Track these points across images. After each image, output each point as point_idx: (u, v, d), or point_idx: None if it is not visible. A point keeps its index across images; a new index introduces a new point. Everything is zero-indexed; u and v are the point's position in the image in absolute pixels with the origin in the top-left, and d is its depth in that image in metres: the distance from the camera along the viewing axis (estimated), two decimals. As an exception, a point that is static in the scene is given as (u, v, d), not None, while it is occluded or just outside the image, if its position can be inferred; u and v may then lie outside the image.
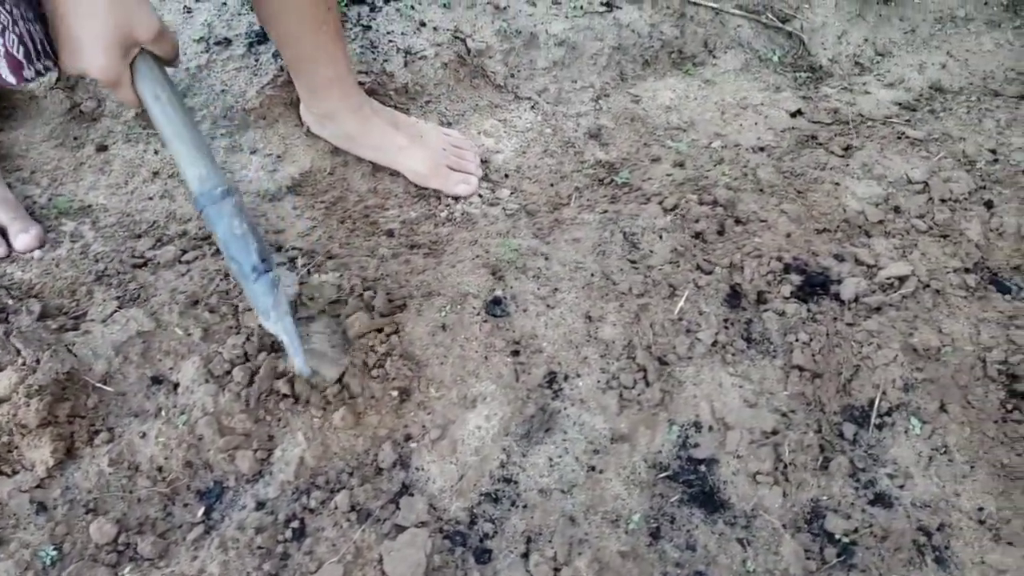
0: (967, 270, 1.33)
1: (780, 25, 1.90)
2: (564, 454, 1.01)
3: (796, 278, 1.22)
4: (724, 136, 1.59)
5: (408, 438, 1.02)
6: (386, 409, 1.02)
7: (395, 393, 1.03)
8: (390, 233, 1.28)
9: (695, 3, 1.87)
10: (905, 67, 1.82)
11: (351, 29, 1.59)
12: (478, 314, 1.11)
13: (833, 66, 1.86)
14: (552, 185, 1.46)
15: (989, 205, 1.42)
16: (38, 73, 0.88)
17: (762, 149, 1.57)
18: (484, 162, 1.46)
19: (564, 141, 1.56)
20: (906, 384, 1.13)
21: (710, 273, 1.21)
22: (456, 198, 1.35)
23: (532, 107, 1.61)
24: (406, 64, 1.58)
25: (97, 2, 0.80)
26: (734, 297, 1.18)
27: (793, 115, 1.67)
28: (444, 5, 1.73)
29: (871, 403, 1.12)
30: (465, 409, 1.03)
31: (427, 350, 1.07)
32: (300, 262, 1.15)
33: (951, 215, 1.40)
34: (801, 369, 1.12)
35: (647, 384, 1.06)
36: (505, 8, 1.71)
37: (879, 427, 1.11)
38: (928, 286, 1.29)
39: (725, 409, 1.07)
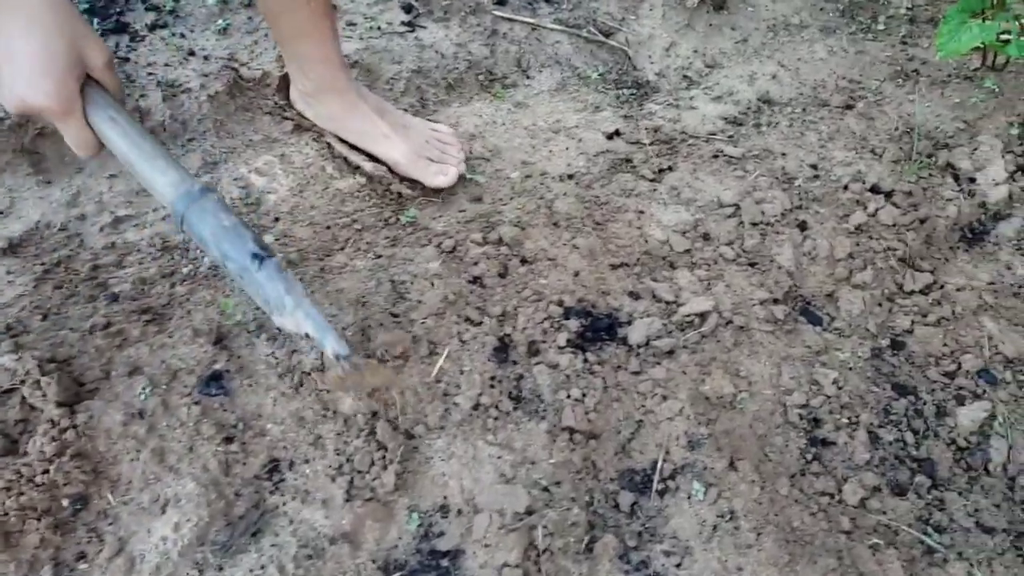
0: (775, 301, 1.21)
1: (603, 39, 1.79)
2: (269, 564, 0.83)
3: (576, 323, 1.08)
4: (531, 164, 1.45)
5: (80, 557, 0.83)
6: (51, 524, 0.83)
7: (66, 503, 0.83)
8: (114, 297, 1.09)
9: (508, 19, 1.74)
10: (735, 79, 1.72)
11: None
12: (188, 394, 0.93)
13: (660, 81, 1.75)
14: (328, 228, 1.29)
15: (803, 227, 1.31)
16: None
17: (570, 177, 1.43)
18: (469, 157, 1.41)
19: (349, 176, 1.39)
20: (691, 440, 0.99)
21: (478, 324, 1.05)
22: (435, 190, 1.33)
23: (315, 138, 1.44)
24: (165, 99, 1.39)
25: (42, 23, 0.72)
26: (502, 350, 1.03)
27: (610, 136, 1.54)
28: (220, 31, 1.56)
29: (654, 465, 0.98)
30: (152, 517, 0.84)
31: (115, 444, 0.89)
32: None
33: (761, 240, 1.28)
34: (572, 431, 0.97)
35: (384, 467, 0.90)
36: (287, 32, 1.54)
37: (661, 493, 0.96)
38: (731, 322, 1.16)
39: (476, 487, 0.91)
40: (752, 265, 1.24)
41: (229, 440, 0.90)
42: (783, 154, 1.48)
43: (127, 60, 1.46)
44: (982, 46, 1.54)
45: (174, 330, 1.01)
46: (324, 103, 1.35)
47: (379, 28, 1.63)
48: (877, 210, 1.34)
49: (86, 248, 1.19)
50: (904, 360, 1.17)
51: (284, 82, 1.45)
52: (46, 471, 0.83)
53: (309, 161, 1.40)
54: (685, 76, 1.76)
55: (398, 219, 1.31)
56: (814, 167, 1.45)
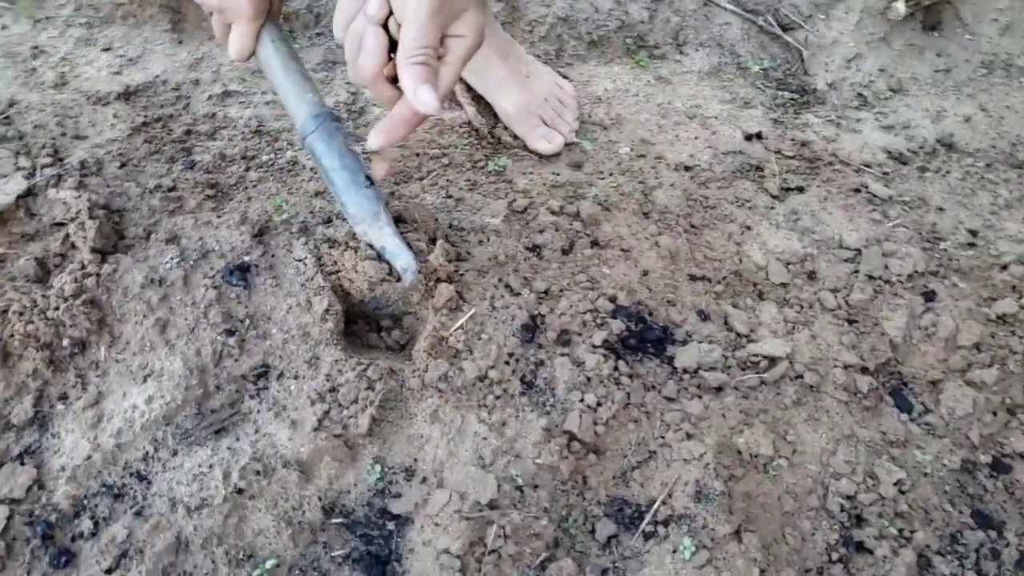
0: (864, 370, 1.05)
1: (779, 33, 1.61)
2: (217, 465, 0.82)
3: (620, 325, 0.98)
4: (650, 144, 1.34)
5: (62, 398, 0.85)
6: (47, 358, 0.85)
7: (66, 343, 0.86)
8: (191, 165, 1.11)
9: (685, -12, 1.60)
10: (918, 111, 1.51)
11: None
12: (211, 277, 0.93)
13: (829, 92, 1.56)
14: (417, 155, 1.25)
15: (930, 296, 1.13)
16: None
17: (687, 169, 1.31)
18: (586, 122, 1.34)
19: (458, 109, 1.34)
20: (701, 491, 0.88)
21: (516, 295, 0.98)
22: (533, 152, 1.26)
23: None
24: (308, -13, 1.39)
25: None
26: (530, 329, 0.95)
27: (749, 137, 1.39)
28: None
29: (651, 504, 0.88)
30: (134, 383, 0.85)
31: (127, 303, 0.90)
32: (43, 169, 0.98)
33: (873, 297, 1.11)
34: (573, 437, 0.89)
35: (363, 408, 0.86)
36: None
37: (647, 536, 0.86)
38: (801, 377, 1.02)
39: (450, 461, 0.85)
40: (851, 322, 1.08)
41: (231, 332, 0.89)
42: (940, 209, 1.28)
43: (288, -59, 1.46)
44: None
45: (226, 212, 1.00)
46: None
47: (543, -33, 1.55)
48: (1033, 303, 1.13)
49: (189, 112, 1.22)
50: (1002, 487, 0.99)
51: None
52: (58, 308, 0.85)
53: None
54: (860, 94, 1.55)
55: (487, 164, 1.24)
56: (973, 233, 1.25)
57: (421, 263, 0.91)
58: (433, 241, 0.96)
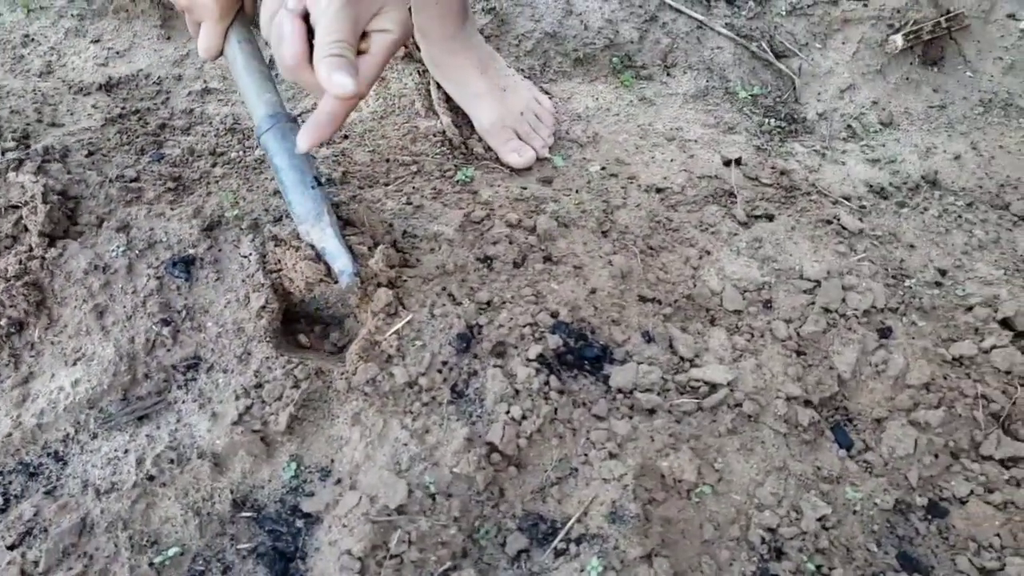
0: (807, 403, 1.04)
1: (772, 60, 1.60)
2: (132, 451, 0.83)
3: (558, 340, 0.98)
4: (624, 164, 1.34)
5: (-10, 379, 0.88)
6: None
7: (3, 323, 0.88)
8: (160, 158, 1.13)
9: (676, 9, 1.60)
10: (907, 146, 1.49)
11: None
12: (154, 267, 0.95)
13: (819, 123, 1.55)
14: (387, 161, 1.27)
15: (885, 333, 1.11)
16: None
17: (659, 191, 1.30)
18: (562, 138, 1.36)
19: (434, 118, 1.35)
20: (616, 512, 0.87)
21: (457, 304, 0.98)
22: (504, 165, 1.28)
23: (420, 72, 1.41)
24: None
25: None
26: (466, 339, 0.96)
27: (728, 163, 1.39)
28: None
29: (565, 521, 0.88)
30: (63, 365, 0.87)
31: (69, 287, 0.92)
32: (9, 155, 1.02)
33: (826, 330, 1.10)
34: (494, 449, 0.89)
35: (285, 406, 0.87)
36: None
37: (558, 553, 0.86)
38: (740, 406, 1.01)
39: (365, 465, 0.86)
40: (800, 354, 1.07)
41: (167, 323, 0.91)
42: (911, 246, 1.26)
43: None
44: None
45: (182, 205, 1.03)
46: (428, 43, 1.30)
47: (536, -18, 1.56)
48: (994, 348, 1.11)
49: (167, 107, 1.25)
50: (935, 531, 0.97)
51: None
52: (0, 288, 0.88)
53: (404, 92, 1.37)
54: (850, 126, 1.54)
55: (455, 174, 1.25)
56: (942, 272, 1.23)
57: (359, 267, 0.92)
58: (376, 246, 0.97)
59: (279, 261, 0.94)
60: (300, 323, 1.00)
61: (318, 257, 0.93)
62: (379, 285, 0.95)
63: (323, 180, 0.93)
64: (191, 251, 0.96)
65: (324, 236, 0.92)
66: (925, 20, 1.63)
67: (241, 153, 1.17)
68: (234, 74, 0.94)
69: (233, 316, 0.92)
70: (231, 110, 1.25)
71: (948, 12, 1.64)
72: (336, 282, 0.93)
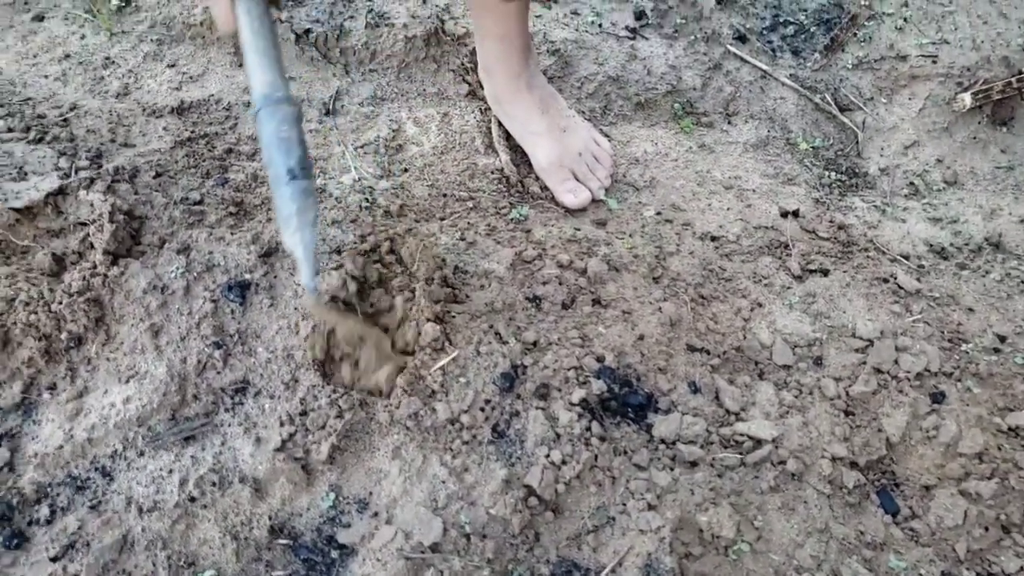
0: (854, 464, 1.01)
1: (836, 112, 1.59)
2: (176, 471, 0.85)
3: (603, 386, 0.98)
4: (679, 210, 1.34)
5: (51, 388, 0.91)
6: (44, 348, 0.91)
7: (64, 337, 0.92)
8: (224, 182, 1.17)
9: (741, 57, 1.60)
10: (970, 206, 1.45)
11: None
12: (211, 290, 0.98)
13: (881, 178, 1.53)
14: (444, 196, 1.29)
15: (938, 398, 1.08)
16: None
17: (713, 239, 1.30)
18: (619, 181, 1.36)
19: (494, 155, 1.37)
20: (652, 566, 0.86)
21: (504, 343, 0.99)
22: (559, 205, 1.29)
23: (483, 109, 1.43)
24: (367, 26, 1.46)
25: None
26: (510, 378, 0.96)
27: (785, 215, 1.37)
28: None
29: (599, 570, 0.87)
30: (118, 382, 0.90)
31: (128, 305, 0.95)
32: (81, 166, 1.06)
33: (876, 391, 1.07)
34: (532, 492, 0.89)
35: (328, 435, 0.88)
36: None
37: (590, 603, 0.85)
38: (784, 463, 0.99)
39: (403, 499, 0.87)
40: (849, 414, 1.05)
41: (219, 345, 0.93)
42: (970, 309, 1.23)
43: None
44: None
45: (242, 230, 1.06)
46: (493, 82, 1.32)
47: (599, 25, 1.58)
48: (1052, 420, 1.07)
49: (235, 132, 1.29)
50: (982, 606, 0.93)
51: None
52: (62, 302, 0.91)
53: (466, 128, 1.40)
54: (912, 183, 1.51)
55: (510, 212, 1.26)
56: (1001, 338, 1.19)
57: (317, 283, 0.83)
58: (428, 280, 0.98)
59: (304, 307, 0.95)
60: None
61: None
62: (428, 320, 0.96)
63: (301, 169, 0.82)
64: (247, 276, 0.98)
65: (292, 242, 0.82)
66: (995, 79, 1.60)
67: (302, 181, 1.20)
68: (241, 46, 0.86)
69: (283, 343, 0.94)
70: (295, 138, 1.28)
71: (1020, 72, 1.60)
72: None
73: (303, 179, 0.81)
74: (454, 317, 1.00)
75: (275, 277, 1.00)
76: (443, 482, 0.87)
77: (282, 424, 0.88)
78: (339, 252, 1.04)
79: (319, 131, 1.32)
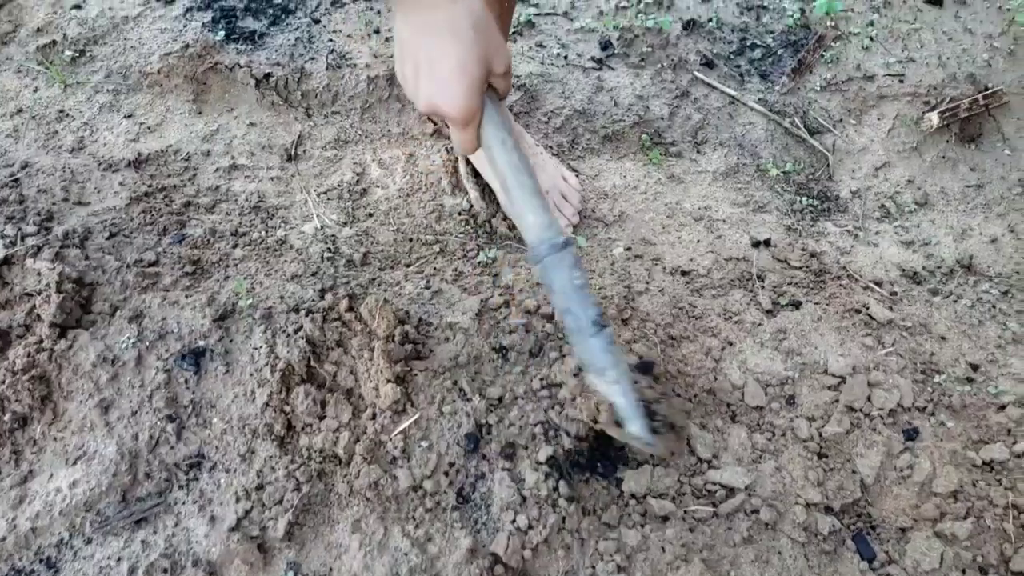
0: (828, 509, 1.00)
1: (805, 136, 1.58)
2: (125, 560, 0.82)
3: (571, 441, 0.96)
4: (649, 244, 1.32)
5: (-9, 476, 0.88)
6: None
7: (7, 418, 0.89)
8: (181, 239, 1.14)
9: (708, 84, 1.59)
10: (942, 228, 1.45)
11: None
12: (164, 359, 0.95)
13: (853, 201, 1.52)
14: (410, 240, 1.27)
15: (912, 435, 1.07)
16: None
17: (684, 273, 1.28)
18: (587, 217, 1.34)
19: (460, 195, 1.35)
20: (623, 631, 0.84)
21: (467, 400, 0.97)
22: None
23: (449, 148, 1.41)
24: (329, 68, 1.44)
25: (464, 34, 0.73)
26: (475, 438, 0.94)
27: (756, 244, 1.36)
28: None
29: (570, 636, 0.85)
30: (65, 464, 0.87)
31: (76, 381, 0.93)
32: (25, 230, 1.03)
33: (849, 431, 1.06)
34: (498, 560, 0.87)
35: (286, 510, 0.86)
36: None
37: (560, 672, 0.83)
38: (757, 512, 0.97)
39: (365, 575, 0.84)
40: (822, 456, 1.03)
41: (172, 419, 0.91)
42: (942, 339, 1.22)
43: (318, 22, 1.53)
44: None
45: (198, 291, 1.03)
46: None
47: (566, 58, 1.56)
48: (1028, 452, 1.05)
49: (194, 184, 1.26)
50: (961, 653, 0.91)
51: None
52: (4, 381, 0.88)
53: (432, 169, 1.38)
54: (883, 205, 1.50)
55: (478, 254, 1.24)
56: (974, 368, 1.18)
57: (653, 434, 0.86)
58: (388, 338, 0.96)
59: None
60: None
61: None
62: (388, 381, 0.94)
63: (600, 315, 0.84)
64: (201, 343, 0.96)
65: (610, 392, 0.85)
66: (962, 97, 1.59)
67: (263, 234, 1.18)
68: (498, 178, 0.84)
69: (239, 411, 0.92)
70: (257, 187, 1.26)
71: (986, 89, 1.60)
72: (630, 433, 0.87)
73: (605, 327, 0.83)
74: (416, 375, 0.97)
75: (230, 341, 0.98)
76: (405, 554, 0.85)
77: (238, 500, 0.86)
78: (297, 311, 1.01)
79: (281, 178, 1.30)
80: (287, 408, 0.92)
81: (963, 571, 0.96)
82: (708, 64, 1.62)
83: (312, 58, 1.43)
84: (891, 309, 1.25)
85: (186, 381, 0.94)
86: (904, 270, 1.36)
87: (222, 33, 1.36)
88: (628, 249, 1.32)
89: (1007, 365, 1.18)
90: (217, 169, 1.28)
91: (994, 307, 1.28)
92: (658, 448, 0.87)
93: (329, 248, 1.17)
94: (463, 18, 0.72)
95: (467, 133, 0.79)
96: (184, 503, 0.86)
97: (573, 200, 1.34)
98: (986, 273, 1.37)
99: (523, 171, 0.82)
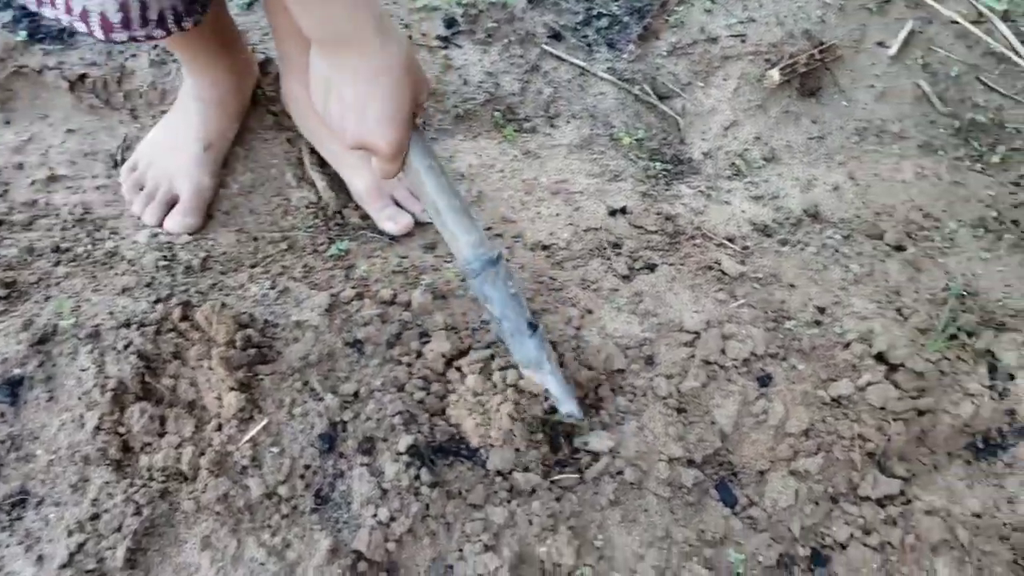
0: (691, 462, 1.02)
1: (655, 102, 1.60)
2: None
3: (428, 430, 0.94)
4: (510, 222, 1.31)
5: None
6: None
7: None
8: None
9: (557, 56, 1.59)
10: (788, 180, 1.50)
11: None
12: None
13: (705, 162, 1.55)
14: (255, 239, 1.21)
15: (765, 381, 1.11)
16: (132, 39, 0.91)
17: (544, 248, 1.28)
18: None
19: (306, 188, 1.30)
20: (493, 611, 0.83)
21: (319, 399, 0.93)
22: (382, 233, 1.24)
23: (290, 140, 1.36)
24: (151, 64, 1.35)
25: (398, 80, 0.76)
26: (330, 438, 0.91)
27: (613, 213, 1.37)
28: (245, 6, 1.50)
29: (441, 625, 0.84)
30: None
31: None
32: None
33: (706, 384, 1.09)
34: (361, 557, 0.84)
35: (125, 537, 0.80)
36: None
37: (434, 662, 0.82)
38: (621, 473, 0.99)
39: (220, 593, 0.80)
40: (681, 411, 1.05)
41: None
42: (792, 286, 1.27)
43: (138, 16, 1.43)
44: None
45: (14, 315, 0.95)
46: (303, 111, 1.26)
47: (410, 37, 1.53)
48: (869, 384, 1.11)
49: (7, 200, 1.17)
50: (820, 582, 0.96)
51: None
52: None
53: (273, 162, 1.32)
54: (734, 164, 1.55)
55: (329, 247, 1.20)
56: (821, 311, 1.23)
57: (583, 409, 0.98)
58: (229, 344, 0.91)
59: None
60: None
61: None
62: (231, 389, 0.89)
63: (537, 323, 0.97)
64: (18, 371, 0.88)
65: (546, 381, 0.96)
66: (800, 53, 1.66)
67: (89, 247, 1.10)
68: (422, 201, 0.92)
69: (68, 439, 0.85)
70: (82, 198, 1.18)
71: (821, 44, 1.67)
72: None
73: (539, 326, 0.96)
74: (262, 380, 0.93)
75: (53, 366, 0.91)
76: (262, 564, 0.82)
77: (70, 534, 0.80)
78: (128, 325, 0.95)
79: (108, 187, 1.22)
80: (121, 429, 0.86)
81: (816, 503, 1.01)
82: (555, 36, 1.62)
83: (133, 55, 1.34)
84: (743, 263, 1.29)
85: (2, 415, 0.86)
86: (755, 224, 1.41)
87: (24, 33, 1.26)
88: (489, 228, 1.31)
89: (850, 305, 1.24)
90: (33, 182, 1.19)
91: (837, 251, 1.35)
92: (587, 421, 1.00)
93: (165, 256, 1.11)
94: (397, 63, 0.75)
95: (395, 164, 0.83)
96: (8, 545, 0.80)
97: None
98: (831, 220, 1.44)
99: (450, 192, 0.88)
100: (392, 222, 1.23)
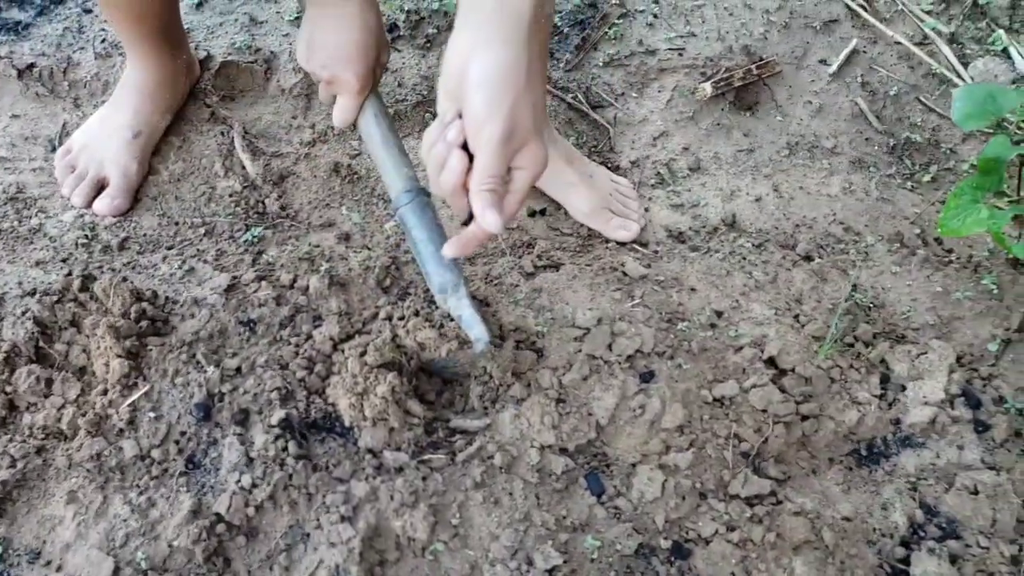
0: (563, 450, 1.07)
1: (588, 110, 1.66)
2: None
3: (304, 403, 0.99)
4: (426, 218, 1.36)
5: None
6: None
7: None
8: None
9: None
10: (711, 190, 1.55)
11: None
12: None
13: (631, 171, 1.60)
14: (176, 224, 1.27)
15: (647, 377, 1.15)
16: None
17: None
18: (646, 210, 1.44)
19: (235, 178, 1.36)
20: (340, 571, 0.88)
21: (202, 371, 0.99)
22: (617, 242, 1.37)
23: (224, 132, 1.42)
24: (97, 57, 1.42)
25: (365, 25, 0.97)
26: (207, 407, 0.96)
27: (532, 214, 1.43)
28: (194, 6, 1.57)
29: (295, 588, 0.88)
30: None
31: None
32: None
33: (587, 377, 1.13)
34: (220, 519, 0.89)
35: None
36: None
37: (280, 621, 0.87)
38: (492, 458, 1.03)
39: (77, 543, 0.86)
40: (560, 402, 1.10)
41: None
42: (692, 290, 1.31)
43: (89, 12, 1.51)
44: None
45: None
46: None
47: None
48: (754, 387, 1.15)
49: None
50: (676, 574, 0.99)
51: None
52: None
53: (206, 152, 1.39)
54: (659, 173, 1.59)
55: (245, 233, 1.26)
56: (718, 314, 1.27)
57: (491, 335, 1.01)
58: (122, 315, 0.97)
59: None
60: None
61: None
62: (118, 356, 0.95)
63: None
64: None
65: (460, 305, 0.99)
66: (737, 68, 1.70)
67: (15, 224, 1.17)
68: (369, 146, 1.05)
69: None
70: (16, 179, 1.25)
71: (760, 60, 1.72)
72: (470, 347, 1.03)
73: (456, 259, 0.98)
74: (151, 350, 0.99)
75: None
76: (124, 520, 0.87)
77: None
78: (33, 295, 1.01)
79: (44, 169, 1.29)
80: (8, 388, 0.92)
81: (683, 497, 1.05)
82: (497, 44, 1.68)
83: (81, 48, 1.41)
84: (648, 266, 1.34)
85: None
86: (671, 231, 1.45)
87: (-25, 24, 1.34)
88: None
89: (748, 310, 1.29)
90: (-33, 164, 1.25)
91: (745, 259, 1.39)
92: (503, 357, 1.07)
93: (87, 235, 1.17)
94: (366, 12, 0.97)
95: (355, 100, 1.00)
96: None
97: (632, 196, 1.46)
98: (747, 229, 1.48)
99: (390, 139, 1.03)
100: (623, 229, 1.38)
